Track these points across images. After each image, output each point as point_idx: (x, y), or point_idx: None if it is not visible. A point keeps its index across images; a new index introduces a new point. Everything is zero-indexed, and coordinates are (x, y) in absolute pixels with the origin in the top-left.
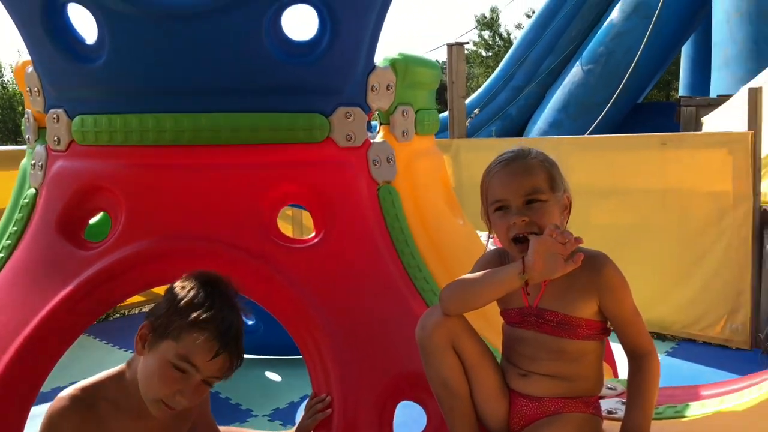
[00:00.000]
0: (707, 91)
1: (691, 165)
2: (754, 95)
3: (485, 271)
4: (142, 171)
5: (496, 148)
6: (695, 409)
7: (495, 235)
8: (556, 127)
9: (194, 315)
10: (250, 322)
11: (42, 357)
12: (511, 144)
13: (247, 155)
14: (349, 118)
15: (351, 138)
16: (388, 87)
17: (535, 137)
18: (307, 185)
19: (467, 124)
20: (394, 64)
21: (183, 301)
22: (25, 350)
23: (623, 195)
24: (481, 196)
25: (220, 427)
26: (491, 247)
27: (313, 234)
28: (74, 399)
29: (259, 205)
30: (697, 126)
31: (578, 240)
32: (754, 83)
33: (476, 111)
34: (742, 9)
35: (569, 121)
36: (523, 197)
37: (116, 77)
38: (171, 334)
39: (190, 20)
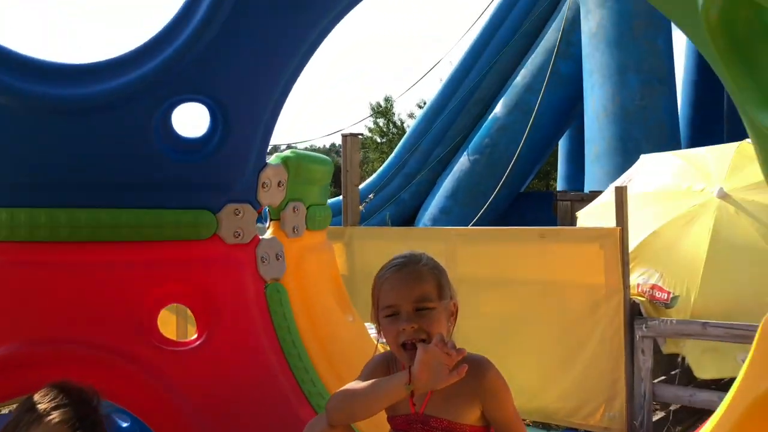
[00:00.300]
0: (582, 182)
1: (567, 257)
2: (621, 194)
3: (371, 381)
4: (9, 269)
5: (388, 236)
6: None
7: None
8: (445, 213)
9: (46, 405)
10: (125, 424)
11: None
12: (402, 235)
13: (128, 253)
14: (238, 214)
15: (239, 235)
16: (279, 184)
17: (425, 227)
18: (190, 284)
19: (362, 208)
20: (286, 161)
21: (34, 400)
22: None
23: (507, 285)
24: (372, 299)
25: None
26: (382, 341)
27: (195, 336)
28: None
29: (137, 306)
30: (573, 219)
31: (461, 352)
32: (620, 180)
33: (371, 196)
34: (608, 110)
35: (458, 208)
36: (413, 304)
37: None
38: (20, 430)
39: (73, 115)
